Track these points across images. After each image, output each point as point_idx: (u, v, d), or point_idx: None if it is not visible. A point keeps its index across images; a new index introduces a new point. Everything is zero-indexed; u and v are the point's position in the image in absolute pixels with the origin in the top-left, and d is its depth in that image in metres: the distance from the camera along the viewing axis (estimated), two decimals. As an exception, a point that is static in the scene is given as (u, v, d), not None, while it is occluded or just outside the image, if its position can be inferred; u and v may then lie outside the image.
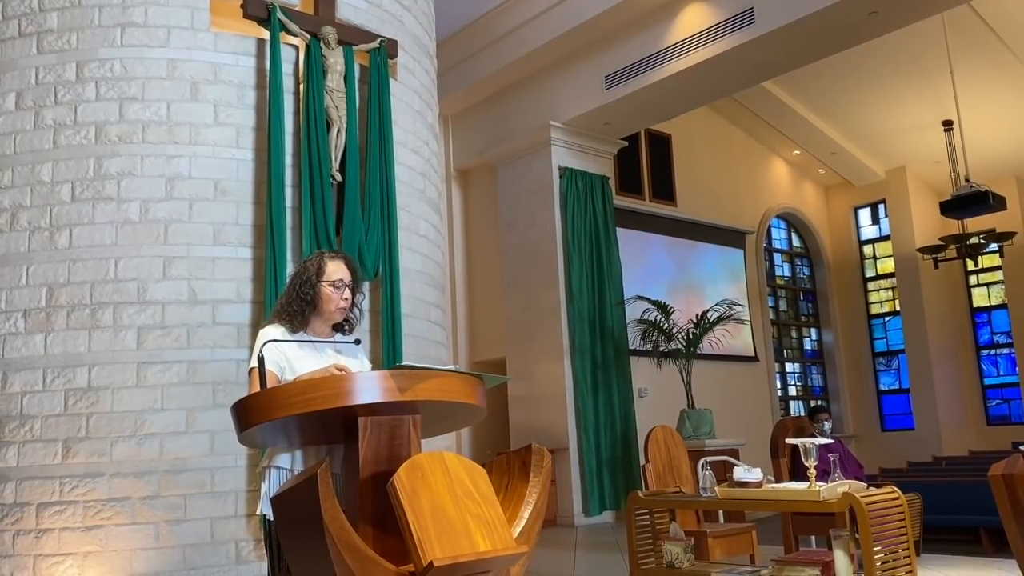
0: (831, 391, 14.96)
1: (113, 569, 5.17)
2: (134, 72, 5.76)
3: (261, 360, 2.35)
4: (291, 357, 2.57)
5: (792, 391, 14.50)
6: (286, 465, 2.49)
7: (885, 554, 2.78)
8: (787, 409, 14.14)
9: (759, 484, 3.35)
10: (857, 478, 5.75)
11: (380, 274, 6.21)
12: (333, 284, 2.66)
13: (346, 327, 2.78)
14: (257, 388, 2.29)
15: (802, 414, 14.07)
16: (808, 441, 3.28)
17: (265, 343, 2.45)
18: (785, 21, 7.72)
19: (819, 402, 14.73)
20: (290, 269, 5.80)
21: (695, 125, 12.79)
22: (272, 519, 2.27)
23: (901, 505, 2.90)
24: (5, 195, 5.70)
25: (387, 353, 6.11)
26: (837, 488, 3.09)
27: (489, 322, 10.93)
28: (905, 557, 2.87)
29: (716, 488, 3.48)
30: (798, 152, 14.47)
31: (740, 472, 3.39)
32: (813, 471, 3.18)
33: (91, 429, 5.33)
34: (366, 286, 6.07)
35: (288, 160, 5.93)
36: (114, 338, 5.45)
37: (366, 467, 2.07)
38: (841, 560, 2.99)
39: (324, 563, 1.81)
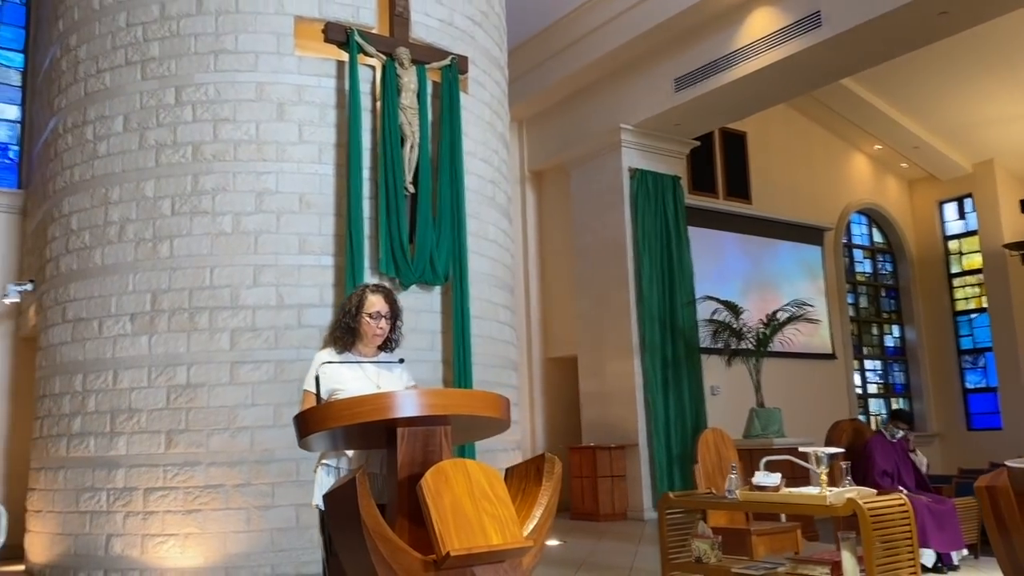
0: (914, 389, 14.68)
1: (209, 550, 5.70)
2: (226, 95, 6.27)
3: (317, 380, 2.81)
4: (340, 376, 3.06)
5: (872, 388, 14.30)
6: (334, 463, 3.01)
7: (899, 557, 2.96)
8: (866, 407, 13.97)
9: (777, 488, 3.57)
10: (918, 484, 5.84)
11: (451, 278, 6.59)
12: (371, 315, 3.08)
13: (392, 345, 3.17)
14: (312, 404, 2.74)
15: (883, 412, 13.92)
16: (819, 450, 3.48)
17: (321, 365, 2.93)
18: (852, 24, 7.74)
19: (900, 402, 14.49)
20: (367, 275, 6.25)
21: (771, 122, 12.74)
22: (323, 509, 2.72)
23: (907, 510, 3.07)
24: (114, 210, 6.30)
25: (457, 353, 6.48)
26: (845, 494, 3.29)
27: (562, 320, 11.22)
28: (909, 560, 3.05)
29: (737, 491, 3.73)
30: (879, 147, 14.22)
31: (760, 477, 3.62)
32: (824, 477, 3.39)
33: (190, 422, 5.88)
34: (431, 298, 6.50)
35: (366, 174, 6.35)
36: (210, 340, 5.98)
37: (403, 470, 2.45)
38: (848, 561, 3.19)
39: (363, 550, 2.20)
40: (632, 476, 9.77)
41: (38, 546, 6.31)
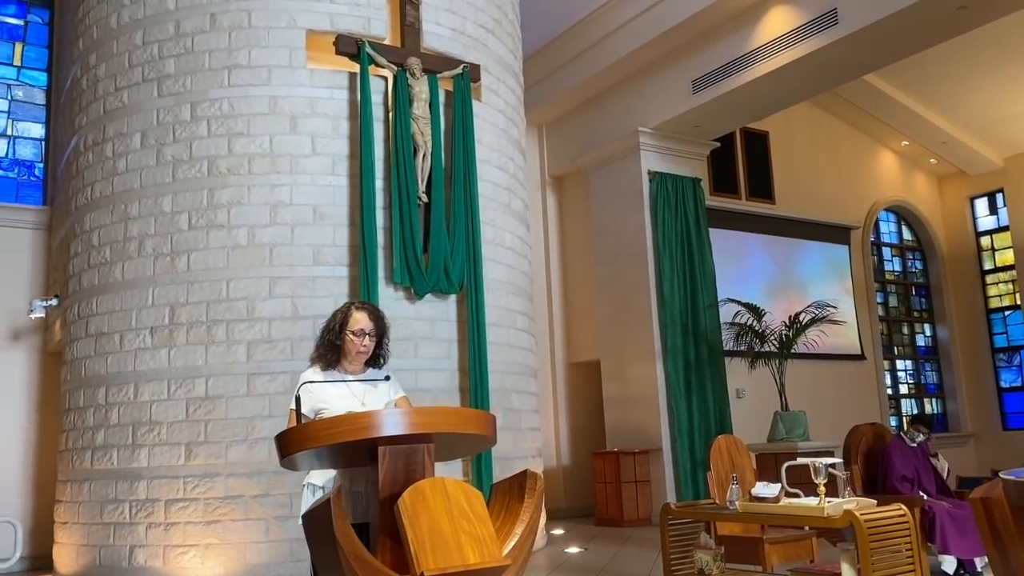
0: (947, 388, 14.43)
1: (229, 560, 5.76)
2: (240, 110, 6.35)
3: (298, 400, 2.81)
4: (325, 395, 3.03)
5: (903, 389, 14.08)
6: (318, 483, 3.01)
7: (901, 569, 2.90)
8: (898, 407, 13.76)
9: (776, 499, 3.53)
10: (939, 489, 5.72)
11: (466, 287, 6.59)
12: (355, 333, 3.05)
13: (380, 362, 3.15)
14: (295, 424, 2.75)
15: (914, 412, 13.69)
16: (817, 461, 3.43)
17: (302, 385, 2.92)
18: (869, 21, 7.62)
19: (933, 402, 14.25)
20: (382, 285, 6.28)
21: (794, 121, 12.61)
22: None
23: (907, 522, 3.02)
24: (133, 225, 6.40)
25: (473, 361, 6.49)
26: (844, 505, 3.24)
27: (584, 325, 11.18)
28: (909, 572, 2.99)
29: (738, 502, 3.69)
30: (906, 143, 14.01)
31: (759, 487, 3.58)
32: (823, 488, 3.34)
33: (209, 434, 5.95)
34: (446, 307, 6.51)
35: (379, 184, 6.39)
36: (227, 352, 6.05)
37: (384, 488, 2.44)
38: (847, 572, 3.14)
39: (340, 569, 2.19)
40: (656, 481, 9.70)
41: (65, 557, 6.42)
